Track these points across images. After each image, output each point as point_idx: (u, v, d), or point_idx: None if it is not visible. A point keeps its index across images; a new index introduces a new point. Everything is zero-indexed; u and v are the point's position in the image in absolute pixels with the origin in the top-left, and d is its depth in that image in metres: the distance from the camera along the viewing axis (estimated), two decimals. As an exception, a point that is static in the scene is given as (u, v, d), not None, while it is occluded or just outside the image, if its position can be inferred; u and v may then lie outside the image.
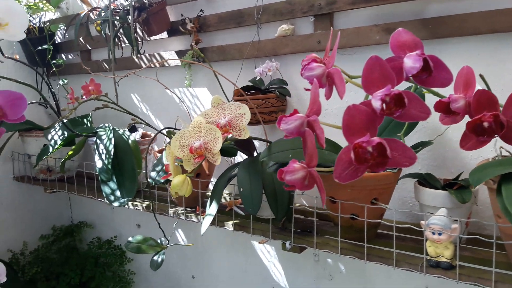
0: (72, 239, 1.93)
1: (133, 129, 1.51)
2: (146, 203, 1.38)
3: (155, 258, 1.03)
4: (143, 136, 1.52)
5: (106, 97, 1.11)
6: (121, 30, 1.35)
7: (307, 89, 0.71)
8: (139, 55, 1.53)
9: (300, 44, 1.17)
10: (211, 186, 1.40)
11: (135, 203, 1.37)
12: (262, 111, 1.14)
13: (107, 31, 1.38)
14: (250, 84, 1.25)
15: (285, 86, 1.20)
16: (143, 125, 1.60)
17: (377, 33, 1.05)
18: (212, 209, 1.09)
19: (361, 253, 0.91)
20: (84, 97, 1.09)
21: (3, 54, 1.21)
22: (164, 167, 1.19)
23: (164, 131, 1.28)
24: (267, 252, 1.39)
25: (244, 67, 1.31)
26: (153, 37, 1.42)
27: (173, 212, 1.28)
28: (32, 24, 1.75)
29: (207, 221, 1.07)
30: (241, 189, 1.00)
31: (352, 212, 0.94)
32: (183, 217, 1.25)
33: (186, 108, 1.49)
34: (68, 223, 2.03)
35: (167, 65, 1.48)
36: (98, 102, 1.20)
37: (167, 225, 1.23)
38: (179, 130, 1.34)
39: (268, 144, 0.89)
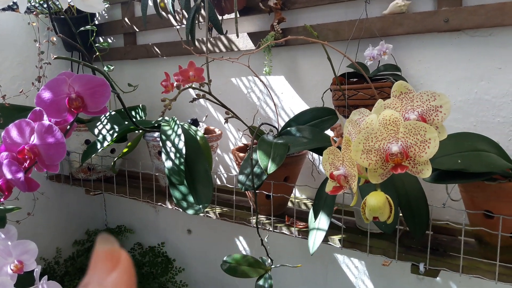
0: (111, 245, 1.73)
1: (195, 123, 1.31)
2: (217, 209, 1.19)
3: (261, 283, 0.84)
4: (207, 132, 1.32)
5: (209, 85, 0.91)
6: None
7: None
8: (198, 39, 1.33)
9: (419, 23, 0.98)
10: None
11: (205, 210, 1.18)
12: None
13: (172, 7, 1.17)
14: (350, 70, 1.05)
15: (399, 73, 1.01)
16: (204, 119, 1.41)
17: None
18: (322, 223, 0.90)
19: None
20: (177, 84, 0.89)
21: (56, 32, 1.01)
22: (260, 171, 1.00)
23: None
24: (354, 267, 1.21)
25: (332, 51, 1.11)
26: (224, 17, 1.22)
27: (255, 221, 1.09)
28: (69, 1, 1.54)
29: (319, 237, 0.89)
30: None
31: (515, 229, 0.76)
32: (269, 227, 1.06)
33: (257, 100, 1.30)
34: (102, 227, 1.83)
35: (236, 49, 1.28)
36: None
37: (251, 237, 1.04)
38: (254, 126, 1.16)
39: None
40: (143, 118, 1.45)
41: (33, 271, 1.01)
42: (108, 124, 1.35)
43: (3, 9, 1.51)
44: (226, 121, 0.94)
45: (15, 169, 0.68)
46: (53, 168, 0.72)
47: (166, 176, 1.13)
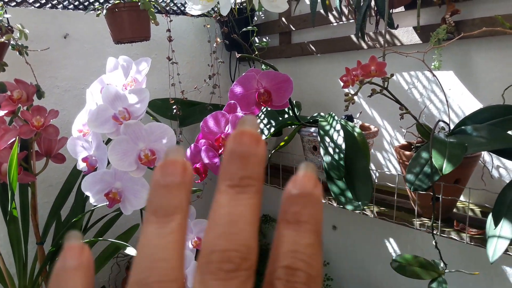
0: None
1: (349, 120, 1.31)
2: (374, 208, 1.17)
3: (434, 286, 0.81)
4: (362, 128, 1.31)
5: (388, 80, 0.92)
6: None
7: None
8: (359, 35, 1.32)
9: None
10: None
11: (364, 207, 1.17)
12: None
13: (339, 2, 1.18)
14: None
15: None
16: (358, 115, 1.40)
17: None
18: (505, 230, 0.82)
19: None
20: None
21: (231, 34, 1.10)
22: (422, 169, 0.96)
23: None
24: (530, 285, 1.08)
25: (508, 45, 1.01)
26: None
27: (419, 224, 1.04)
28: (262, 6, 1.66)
29: (500, 246, 0.81)
30: None
31: None
32: (435, 231, 1.01)
33: (420, 96, 1.24)
34: (248, 215, 1.95)
35: (398, 44, 1.24)
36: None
37: (402, 238, 1.00)
38: (425, 125, 1.11)
39: None
40: (297, 113, 1.50)
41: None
42: (265, 118, 1.43)
43: (176, 13, 1.71)
44: (402, 117, 0.92)
45: (212, 154, 0.77)
46: (243, 156, 0.79)
47: (323, 171, 1.16)
